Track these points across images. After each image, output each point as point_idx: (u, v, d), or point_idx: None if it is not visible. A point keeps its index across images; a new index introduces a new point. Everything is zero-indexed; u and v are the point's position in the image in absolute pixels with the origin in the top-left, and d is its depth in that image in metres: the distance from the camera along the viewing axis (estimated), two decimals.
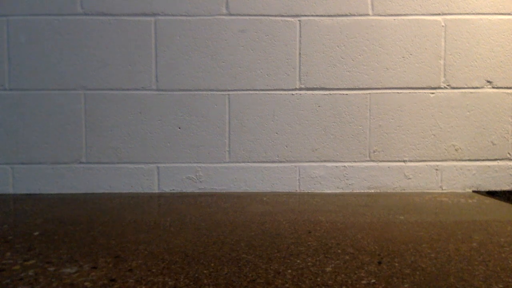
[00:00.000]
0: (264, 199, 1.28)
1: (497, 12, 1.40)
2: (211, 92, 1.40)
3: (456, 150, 1.42)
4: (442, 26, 1.40)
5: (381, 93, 1.41)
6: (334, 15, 1.39)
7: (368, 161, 1.42)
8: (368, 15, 1.39)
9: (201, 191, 1.42)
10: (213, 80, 1.40)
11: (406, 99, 1.41)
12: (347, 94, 1.40)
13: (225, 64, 1.40)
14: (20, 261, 0.69)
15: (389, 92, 1.41)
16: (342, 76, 1.40)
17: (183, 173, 1.41)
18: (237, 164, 1.41)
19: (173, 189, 1.42)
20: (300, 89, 1.40)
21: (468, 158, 1.42)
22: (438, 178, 1.42)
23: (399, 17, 1.40)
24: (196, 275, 0.62)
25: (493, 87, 1.41)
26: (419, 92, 1.41)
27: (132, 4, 1.38)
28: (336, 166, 1.41)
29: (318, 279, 0.60)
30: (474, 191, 1.41)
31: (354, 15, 1.39)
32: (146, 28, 1.39)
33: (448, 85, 1.41)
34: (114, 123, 1.40)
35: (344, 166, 1.41)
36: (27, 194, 1.38)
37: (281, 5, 1.39)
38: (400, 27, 1.40)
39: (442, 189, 1.42)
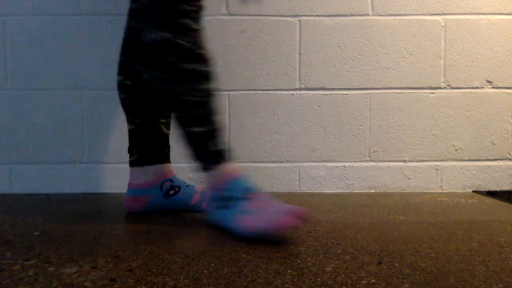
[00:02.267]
0: None
1: (497, 12, 1.40)
2: None
3: (456, 150, 1.42)
4: (442, 26, 1.40)
5: (381, 93, 1.41)
6: (334, 15, 1.39)
7: (368, 161, 1.42)
8: (368, 15, 1.39)
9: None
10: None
11: (406, 99, 1.41)
12: (347, 94, 1.40)
13: (225, 64, 1.40)
14: (20, 261, 0.69)
15: (389, 92, 1.41)
16: (342, 76, 1.40)
17: (183, 173, 1.41)
18: (237, 164, 1.41)
19: None
20: (300, 89, 1.40)
21: (468, 158, 1.42)
22: (438, 178, 1.42)
23: (399, 17, 1.40)
24: (196, 275, 0.62)
25: (493, 87, 1.41)
26: (419, 92, 1.41)
27: None
28: (336, 166, 1.41)
29: (318, 279, 0.60)
30: (474, 191, 1.41)
31: (354, 15, 1.39)
32: None
33: (448, 85, 1.41)
34: (114, 123, 1.40)
35: (344, 166, 1.42)
36: (27, 194, 1.38)
37: (281, 5, 1.39)
38: (400, 27, 1.40)
39: (442, 189, 1.42)
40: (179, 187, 1.05)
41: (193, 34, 0.86)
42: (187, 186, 1.06)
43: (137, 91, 1.07)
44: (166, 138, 1.08)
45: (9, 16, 1.37)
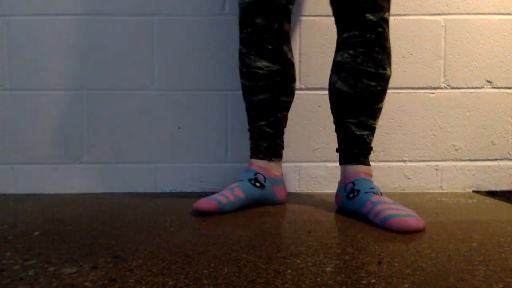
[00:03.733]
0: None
1: (497, 12, 1.40)
2: (211, 92, 1.40)
3: (456, 150, 1.42)
4: (442, 26, 1.40)
5: None
6: None
7: None
8: None
9: (201, 191, 1.42)
10: (213, 80, 1.40)
11: (406, 99, 1.41)
12: None
13: (225, 64, 1.40)
14: (20, 261, 0.69)
15: (389, 92, 1.41)
16: None
17: (183, 173, 1.41)
18: (237, 164, 1.41)
19: (173, 189, 1.42)
20: (300, 89, 1.40)
21: (468, 158, 1.42)
22: (438, 178, 1.42)
23: (399, 17, 1.40)
24: (196, 275, 0.62)
25: (493, 87, 1.41)
26: (419, 92, 1.41)
27: (132, 4, 1.38)
28: (336, 166, 1.41)
29: (318, 279, 0.60)
30: (474, 191, 1.41)
31: None
32: (146, 28, 1.39)
33: (448, 85, 1.41)
34: (114, 123, 1.40)
35: None
36: (27, 194, 1.38)
37: None
38: (400, 27, 1.40)
39: (442, 189, 1.43)
40: (358, 191, 1.01)
41: (242, 57, 1.13)
42: (366, 192, 0.99)
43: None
44: (356, 138, 1.06)
45: (9, 16, 1.37)
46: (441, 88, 1.41)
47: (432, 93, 1.41)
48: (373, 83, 1.03)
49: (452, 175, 1.42)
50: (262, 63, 1.10)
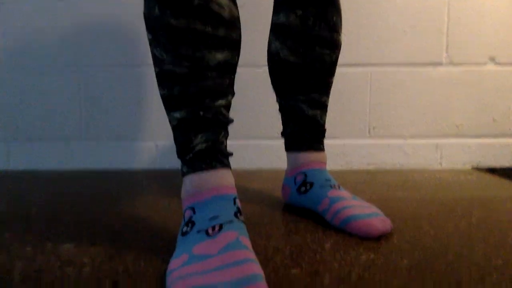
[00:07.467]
0: (264, 176, 1.28)
1: None
2: None
3: (456, 127, 1.41)
4: (445, 1, 1.37)
5: (382, 70, 1.39)
6: None
7: (367, 138, 1.41)
8: None
9: None
10: None
11: (408, 75, 1.39)
12: (346, 71, 1.38)
13: None
14: (18, 239, 0.69)
15: (389, 69, 1.39)
16: (342, 51, 1.37)
17: None
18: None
19: (172, 166, 1.41)
20: None
21: (468, 135, 1.41)
22: (438, 155, 1.42)
23: None
24: None
25: (496, 64, 1.39)
26: (420, 69, 1.39)
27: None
28: (335, 143, 1.40)
29: (317, 256, 0.60)
30: (474, 168, 1.41)
31: None
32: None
33: (450, 62, 1.39)
34: (113, 102, 1.39)
35: (343, 144, 1.41)
36: (25, 171, 1.37)
37: None
38: (402, 2, 1.37)
39: (442, 166, 1.42)
40: (312, 184, 0.83)
41: None
42: (322, 186, 0.81)
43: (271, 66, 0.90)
44: (308, 119, 0.87)
45: None
46: (443, 64, 1.39)
47: (434, 69, 1.39)
48: (327, 51, 0.83)
49: (453, 152, 1.42)
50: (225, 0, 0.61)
